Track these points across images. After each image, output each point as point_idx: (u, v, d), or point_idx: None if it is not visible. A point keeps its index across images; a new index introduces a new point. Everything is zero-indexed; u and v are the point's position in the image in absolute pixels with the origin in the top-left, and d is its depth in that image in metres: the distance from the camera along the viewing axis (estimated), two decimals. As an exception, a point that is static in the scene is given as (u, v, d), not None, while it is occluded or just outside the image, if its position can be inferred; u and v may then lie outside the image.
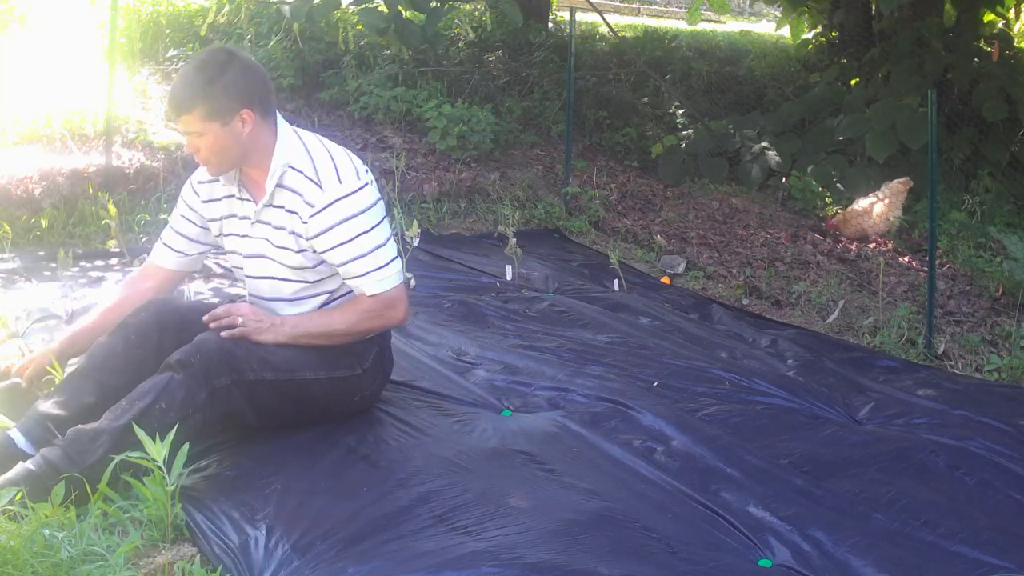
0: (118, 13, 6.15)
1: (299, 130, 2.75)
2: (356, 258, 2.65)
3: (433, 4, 6.86)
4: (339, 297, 2.82)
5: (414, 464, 2.67)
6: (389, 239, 2.72)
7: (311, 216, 2.62)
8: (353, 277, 2.69)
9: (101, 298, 2.97)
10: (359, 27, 7.60)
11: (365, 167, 2.75)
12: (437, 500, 2.47)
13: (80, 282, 4.32)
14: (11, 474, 2.33)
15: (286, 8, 6.62)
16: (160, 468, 2.25)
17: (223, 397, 2.54)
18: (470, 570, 2.15)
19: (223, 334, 2.59)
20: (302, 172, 2.65)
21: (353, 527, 2.32)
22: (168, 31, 7.67)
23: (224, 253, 2.92)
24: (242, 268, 2.82)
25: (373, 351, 2.85)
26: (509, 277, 5.04)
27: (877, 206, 6.51)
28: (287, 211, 2.67)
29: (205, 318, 2.64)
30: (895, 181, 6.65)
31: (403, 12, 6.50)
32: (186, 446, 2.36)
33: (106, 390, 2.56)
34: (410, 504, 2.45)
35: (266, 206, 2.69)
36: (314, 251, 2.68)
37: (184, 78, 2.57)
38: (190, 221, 2.87)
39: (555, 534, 2.34)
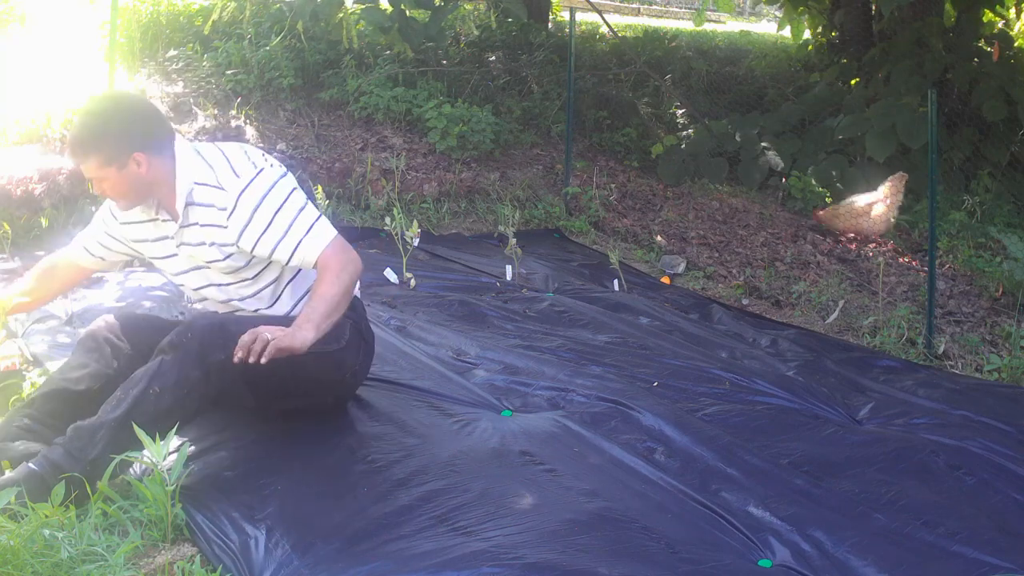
0: (118, 13, 6.15)
1: (198, 144, 2.81)
2: (284, 235, 2.69)
3: (437, 2, 6.86)
4: (287, 283, 2.85)
5: (414, 464, 2.67)
6: (306, 204, 2.75)
7: (228, 218, 2.68)
8: (291, 253, 2.71)
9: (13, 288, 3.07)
10: (360, 26, 7.60)
11: (263, 155, 2.80)
12: (437, 500, 2.47)
13: (80, 282, 4.32)
14: (13, 474, 2.34)
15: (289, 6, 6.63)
16: (160, 469, 2.25)
17: (217, 374, 2.55)
18: (470, 570, 2.15)
19: (263, 360, 2.54)
20: (206, 184, 2.71)
21: (353, 527, 2.33)
22: (168, 31, 7.67)
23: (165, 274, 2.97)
24: (188, 286, 2.88)
25: (348, 324, 2.87)
26: (509, 277, 5.05)
27: (878, 207, 6.48)
28: (202, 226, 2.72)
29: (237, 358, 2.56)
30: (890, 179, 6.57)
31: (406, 11, 6.49)
32: (186, 447, 2.36)
33: (79, 395, 2.61)
34: (410, 504, 2.45)
35: (182, 227, 2.74)
36: (241, 250, 2.72)
37: (76, 129, 2.64)
38: (112, 237, 2.94)
39: (555, 534, 2.34)
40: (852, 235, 6.52)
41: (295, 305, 2.86)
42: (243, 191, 2.67)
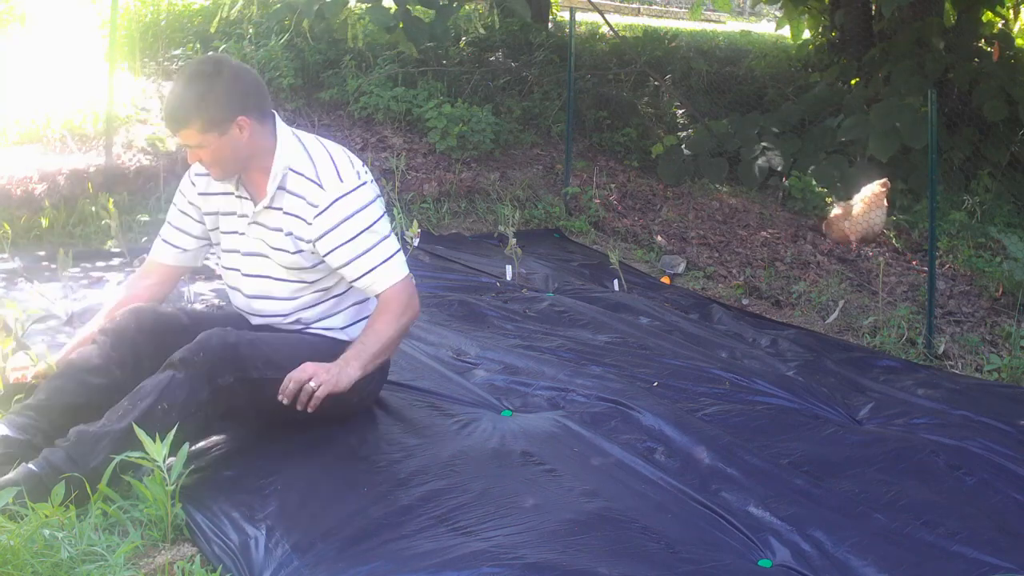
0: (118, 13, 6.15)
1: (298, 131, 2.77)
2: (362, 254, 2.67)
3: (442, 2, 6.86)
4: (333, 296, 2.82)
5: (414, 464, 2.67)
6: (391, 234, 2.74)
7: (316, 216, 2.65)
8: (361, 275, 2.70)
9: (105, 299, 2.98)
10: (361, 24, 7.60)
11: (364, 166, 2.78)
12: (437, 500, 2.47)
13: (80, 282, 4.32)
14: (12, 474, 2.33)
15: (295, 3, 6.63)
16: (160, 468, 2.25)
17: (226, 395, 2.54)
18: (470, 570, 2.15)
19: (310, 410, 2.58)
20: (303, 174, 2.67)
21: (353, 527, 2.33)
22: (168, 31, 7.67)
23: (217, 249, 2.93)
24: (237, 268, 2.83)
25: None
26: (509, 277, 5.05)
27: (855, 209, 6.42)
28: (285, 213, 2.68)
29: (282, 399, 2.58)
30: (871, 185, 6.42)
31: (411, 10, 6.49)
32: (186, 446, 2.36)
33: (89, 389, 2.57)
34: (411, 504, 2.45)
35: (266, 208, 2.71)
36: (315, 251, 2.69)
37: (176, 94, 2.57)
38: (188, 215, 2.89)
39: (555, 534, 2.34)
40: (840, 239, 6.45)
41: (324, 319, 2.82)
42: (341, 197, 2.64)
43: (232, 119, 2.57)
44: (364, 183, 2.69)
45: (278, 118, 2.72)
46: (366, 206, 2.67)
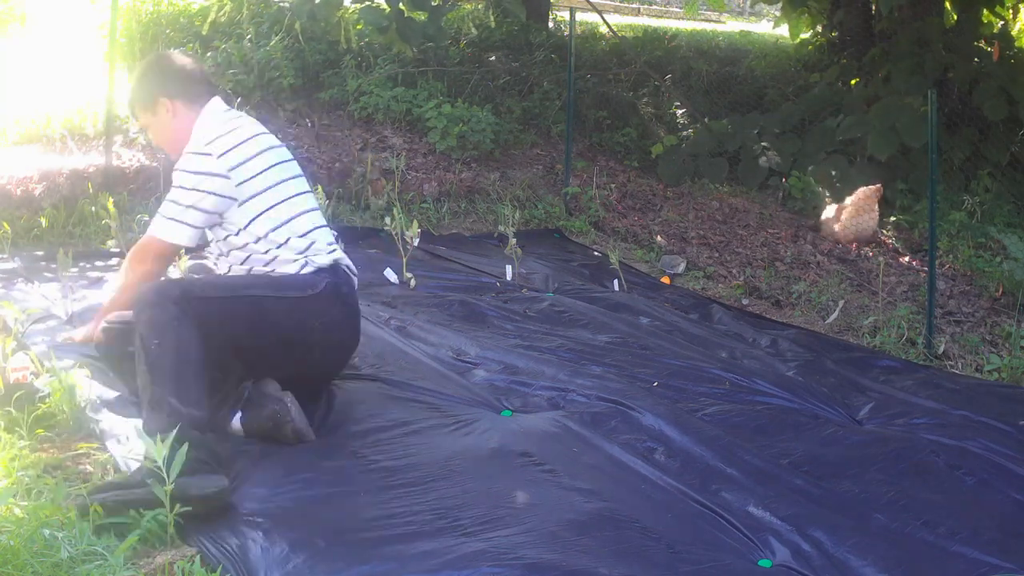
0: (118, 13, 6.15)
1: (234, 113, 3.04)
2: (166, 200, 2.95)
3: (435, 2, 6.86)
4: (235, 249, 2.97)
5: (414, 464, 2.67)
6: (192, 206, 2.88)
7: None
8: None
9: None
10: (359, 26, 7.60)
11: (258, 151, 2.94)
12: (437, 500, 2.47)
13: (80, 282, 4.32)
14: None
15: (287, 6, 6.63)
16: (159, 468, 2.25)
17: (186, 307, 2.64)
18: (470, 570, 2.15)
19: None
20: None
21: (353, 527, 2.33)
22: (168, 31, 7.67)
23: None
24: None
25: (324, 281, 2.93)
26: (509, 277, 5.04)
27: (845, 212, 6.46)
28: None
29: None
30: (862, 189, 6.49)
31: (404, 11, 6.49)
32: (186, 446, 2.36)
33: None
34: (410, 504, 2.45)
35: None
36: None
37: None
38: None
39: (555, 534, 2.34)
40: (830, 237, 6.50)
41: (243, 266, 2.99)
42: (184, 154, 2.93)
43: (154, 100, 2.96)
44: (209, 155, 2.87)
45: (216, 102, 2.99)
46: (192, 171, 2.88)
